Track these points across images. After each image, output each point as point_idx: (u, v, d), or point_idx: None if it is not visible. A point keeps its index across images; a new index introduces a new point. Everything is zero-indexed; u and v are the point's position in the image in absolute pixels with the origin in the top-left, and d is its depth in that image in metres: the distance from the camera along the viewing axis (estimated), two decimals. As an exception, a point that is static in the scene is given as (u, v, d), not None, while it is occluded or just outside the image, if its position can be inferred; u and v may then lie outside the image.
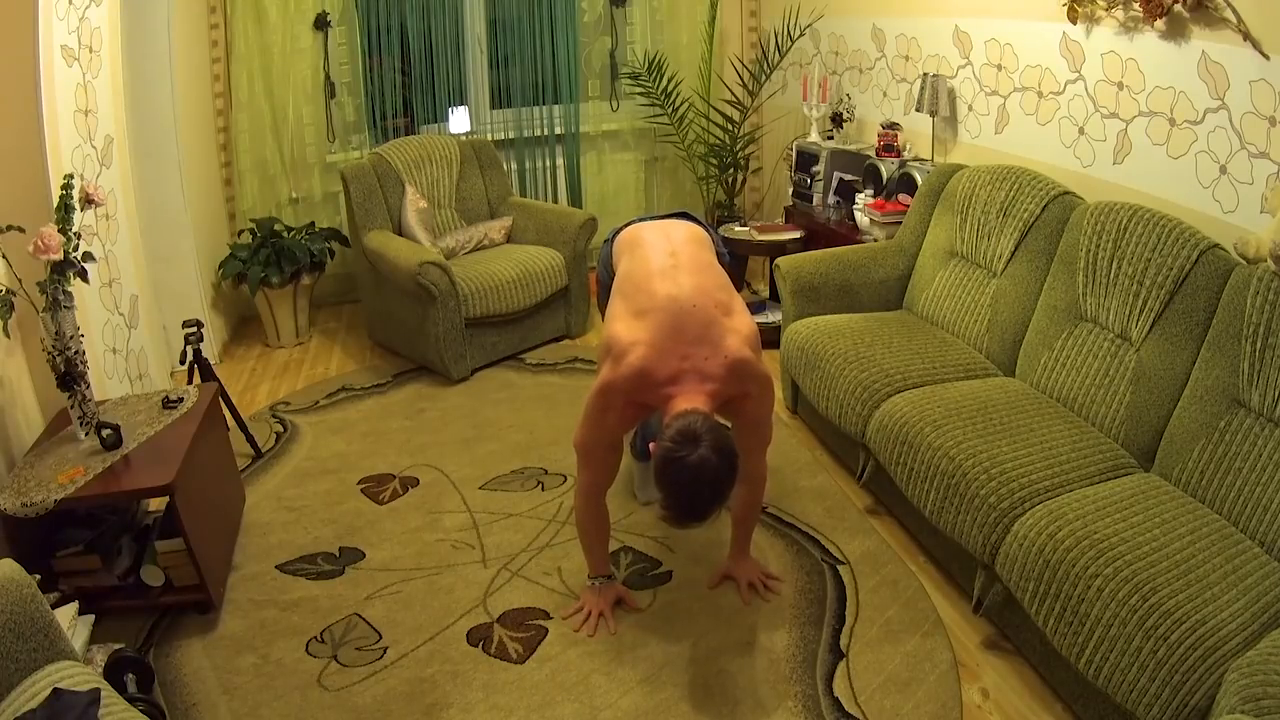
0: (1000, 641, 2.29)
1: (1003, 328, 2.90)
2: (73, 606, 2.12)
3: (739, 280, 4.54)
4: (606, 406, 2.10)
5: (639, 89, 4.83)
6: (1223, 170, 2.41)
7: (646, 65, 4.75)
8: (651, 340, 2.05)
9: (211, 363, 3.25)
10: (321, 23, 4.42)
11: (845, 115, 4.30)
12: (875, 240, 3.65)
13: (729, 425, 2.20)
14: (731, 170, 4.85)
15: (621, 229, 2.53)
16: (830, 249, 3.52)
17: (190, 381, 3.08)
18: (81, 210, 2.37)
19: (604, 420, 2.12)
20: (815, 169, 4.29)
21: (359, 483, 3.08)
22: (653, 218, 2.56)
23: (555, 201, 5.01)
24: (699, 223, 2.55)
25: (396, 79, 4.72)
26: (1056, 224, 2.79)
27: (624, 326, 2.12)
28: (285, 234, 4.29)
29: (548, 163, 4.99)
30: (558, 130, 4.95)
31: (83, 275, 2.39)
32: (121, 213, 3.25)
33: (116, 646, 2.08)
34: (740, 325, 2.14)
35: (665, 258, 2.23)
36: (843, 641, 2.28)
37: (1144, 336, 2.41)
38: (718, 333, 2.08)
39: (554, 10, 4.72)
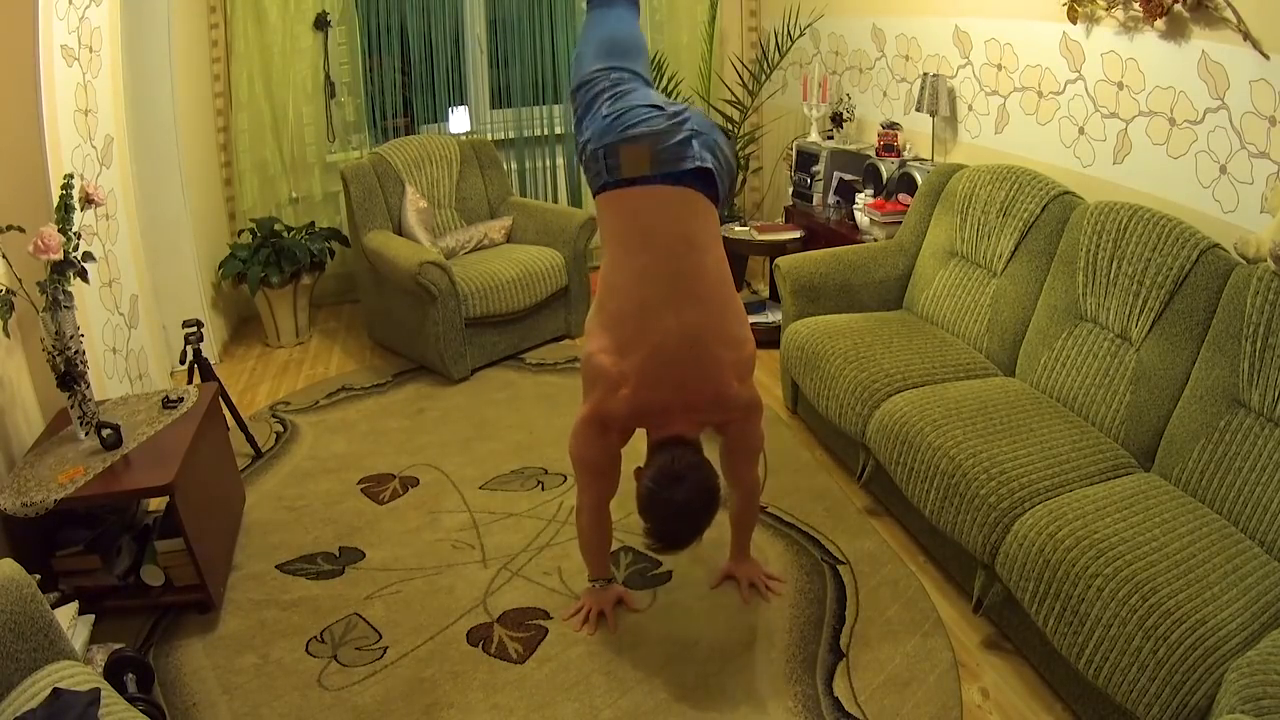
0: (1000, 641, 2.28)
1: (1003, 328, 2.90)
2: (73, 606, 2.12)
3: (739, 279, 4.54)
4: (604, 429, 2.08)
5: (639, 89, 4.83)
6: (1223, 170, 2.41)
7: (646, 65, 4.75)
8: (642, 382, 1.99)
9: (211, 363, 3.25)
10: (321, 23, 4.41)
11: (845, 115, 4.30)
12: (875, 240, 3.65)
13: (718, 436, 2.21)
14: (731, 170, 4.84)
15: (612, 116, 2.03)
16: (830, 249, 3.52)
17: (190, 381, 3.08)
18: (81, 210, 2.37)
19: (603, 441, 2.11)
20: (815, 169, 4.29)
21: (359, 482, 3.08)
22: (656, 177, 2.00)
23: (555, 201, 5.01)
24: (706, 168, 2.03)
25: (396, 79, 4.73)
26: (1056, 224, 2.79)
27: (610, 359, 2.02)
28: (285, 234, 4.29)
29: (548, 163, 4.99)
30: (558, 130, 4.95)
31: (83, 275, 2.39)
32: (121, 213, 3.25)
33: (116, 646, 2.08)
34: (738, 356, 2.06)
35: (664, 282, 1.99)
36: (843, 641, 2.28)
37: (1144, 336, 2.41)
38: (715, 371, 2.02)
39: (554, 10, 4.72)
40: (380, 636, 2.33)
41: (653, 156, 1.98)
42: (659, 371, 1.99)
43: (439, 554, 2.67)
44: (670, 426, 2.03)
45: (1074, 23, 2.84)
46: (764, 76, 4.73)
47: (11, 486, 2.20)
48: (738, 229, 4.27)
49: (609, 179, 2.03)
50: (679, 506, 1.95)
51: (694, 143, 2.00)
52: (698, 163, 2.00)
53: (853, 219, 3.92)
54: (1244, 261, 2.22)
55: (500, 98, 4.94)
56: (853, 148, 4.18)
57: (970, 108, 3.49)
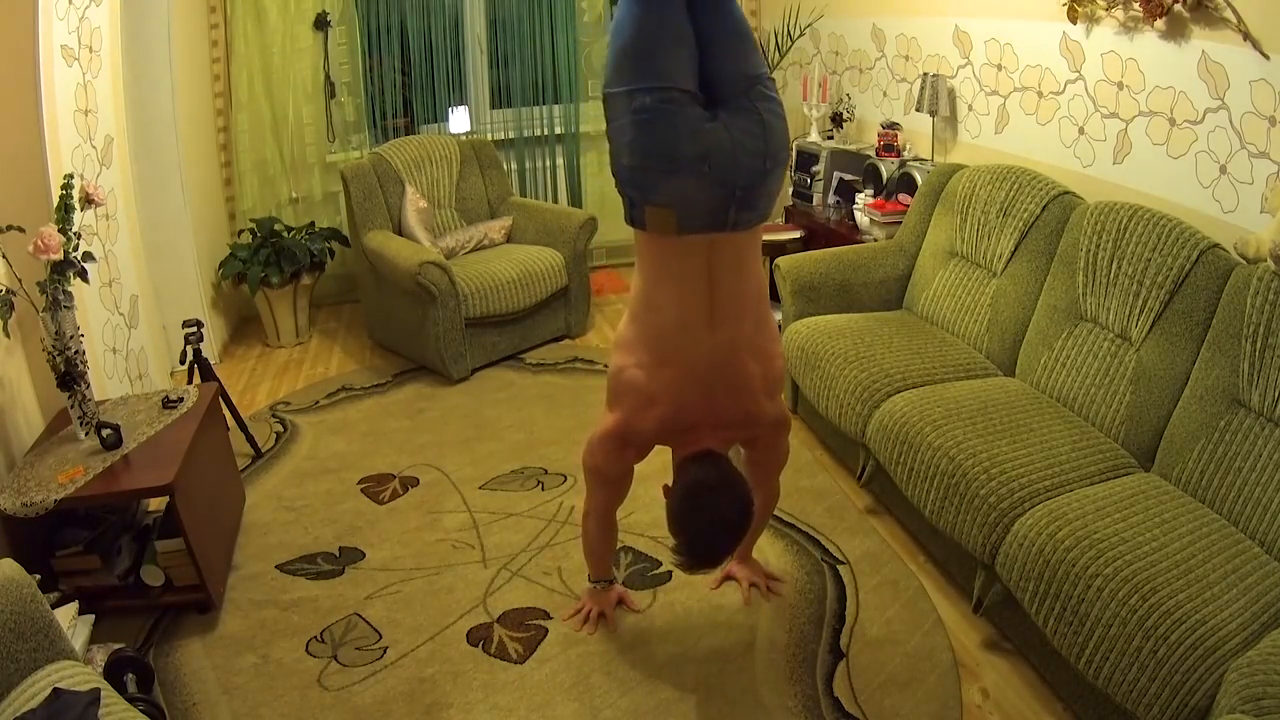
0: (1000, 641, 2.28)
1: (1003, 328, 2.90)
2: (73, 606, 2.12)
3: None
4: (625, 445, 2.06)
5: (639, 89, 4.82)
6: (1223, 170, 2.41)
7: (646, 65, 4.74)
8: (673, 400, 1.95)
9: (211, 363, 3.25)
10: (321, 23, 4.42)
11: (845, 115, 4.30)
12: (875, 240, 3.65)
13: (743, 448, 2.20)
14: (731, 170, 4.83)
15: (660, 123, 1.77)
16: (830, 249, 3.52)
17: (190, 381, 3.08)
18: (81, 210, 2.37)
19: (620, 455, 2.09)
20: (815, 169, 4.29)
21: (359, 482, 3.08)
22: (712, 222, 1.84)
23: (555, 201, 5.01)
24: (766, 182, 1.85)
25: (396, 79, 4.73)
26: (1056, 224, 2.79)
27: (643, 374, 1.97)
28: (285, 234, 4.29)
29: (548, 163, 4.99)
30: (558, 130, 4.95)
31: (83, 275, 2.39)
32: (121, 213, 3.25)
33: (116, 646, 2.08)
34: (766, 370, 2.03)
35: (703, 302, 1.91)
36: (843, 641, 2.28)
37: (1144, 336, 2.41)
38: (746, 386, 1.99)
39: (554, 10, 4.72)
40: (380, 636, 2.33)
41: (680, 222, 1.82)
42: (691, 390, 1.95)
43: (439, 554, 2.67)
44: (698, 444, 2.00)
45: (1074, 23, 2.84)
46: (764, 76, 4.72)
47: (11, 486, 2.20)
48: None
49: (638, 228, 1.92)
50: (715, 519, 1.88)
51: (730, 209, 1.81)
52: (730, 229, 1.84)
53: (853, 219, 3.92)
54: (1244, 261, 2.22)
55: (500, 98, 4.94)
56: (853, 148, 4.18)
57: (970, 108, 3.49)
